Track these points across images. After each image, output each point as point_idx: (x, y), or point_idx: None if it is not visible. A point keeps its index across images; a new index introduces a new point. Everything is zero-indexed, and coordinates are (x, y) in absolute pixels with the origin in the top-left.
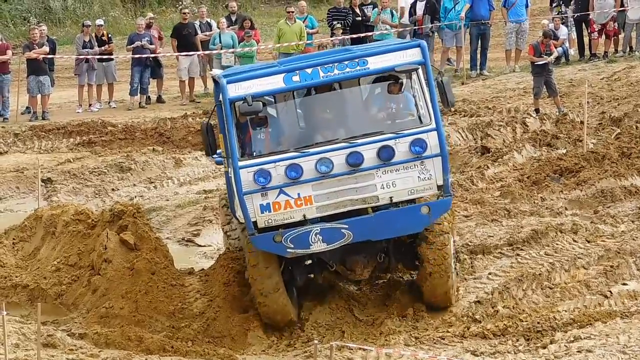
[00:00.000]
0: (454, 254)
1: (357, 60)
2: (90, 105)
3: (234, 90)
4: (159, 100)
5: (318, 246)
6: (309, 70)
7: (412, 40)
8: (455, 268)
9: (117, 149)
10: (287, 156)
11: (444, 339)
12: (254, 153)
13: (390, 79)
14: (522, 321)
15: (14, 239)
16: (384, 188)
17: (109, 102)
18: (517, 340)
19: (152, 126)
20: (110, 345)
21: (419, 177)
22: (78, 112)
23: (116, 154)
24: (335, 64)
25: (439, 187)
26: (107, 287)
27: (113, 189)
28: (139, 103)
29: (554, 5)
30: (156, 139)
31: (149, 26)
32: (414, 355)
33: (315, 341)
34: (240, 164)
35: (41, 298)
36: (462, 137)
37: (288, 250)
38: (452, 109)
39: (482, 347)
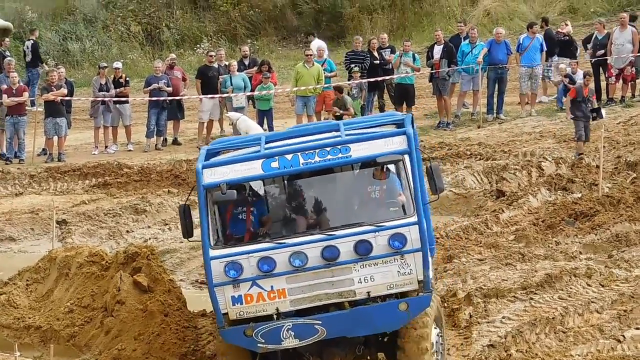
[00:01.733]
0: (438, 344)
1: (339, 147)
2: (106, 147)
3: (209, 176)
4: (175, 142)
5: (290, 342)
6: (288, 157)
7: (397, 123)
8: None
9: (132, 190)
10: (259, 248)
11: None
12: (229, 237)
13: (376, 164)
14: None
15: (27, 280)
16: (361, 282)
17: (127, 144)
18: None
19: (167, 168)
20: None
21: (398, 271)
22: (94, 154)
23: (131, 195)
24: (317, 151)
25: (419, 282)
26: (120, 329)
27: (128, 231)
28: (155, 145)
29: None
30: (171, 181)
31: (171, 67)
32: None
33: None
34: (212, 254)
35: (54, 339)
36: (477, 180)
37: (259, 345)
38: (469, 154)
39: None
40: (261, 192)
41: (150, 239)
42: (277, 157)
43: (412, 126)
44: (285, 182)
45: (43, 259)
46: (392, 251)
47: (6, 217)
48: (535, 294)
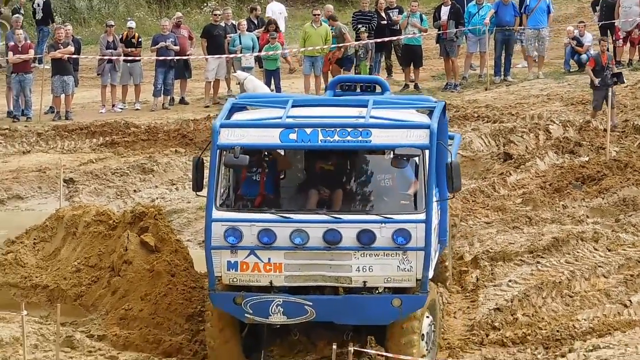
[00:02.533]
0: (429, 335)
1: (360, 130)
2: (113, 105)
3: (226, 137)
4: (182, 101)
5: (277, 318)
6: (308, 131)
7: (429, 110)
8: (427, 350)
9: (139, 150)
10: (262, 218)
11: (465, 346)
12: (237, 198)
13: (395, 153)
14: (541, 329)
15: (34, 238)
16: (359, 271)
17: (135, 103)
18: (536, 348)
19: (175, 127)
20: (129, 347)
21: (398, 266)
22: (101, 113)
23: (138, 155)
24: (337, 130)
25: (417, 281)
26: (127, 289)
27: (135, 190)
28: (163, 104)
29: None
30: (179, 141)
31: (177, 25)
32: None
33: (334, 346)
34: (215, 215)
35: (61, 299)
36: (484, 143)
37: (246, 315)
38: (476, 116)
39: (501, 355)
40: (270, 162)
41: (157, 198)
42: (296, 129)
43: (444, 114)
44: (304, 154)
45: (50, 217)
46: (395, 246)
47: (13, 175)
48: (542, 257)
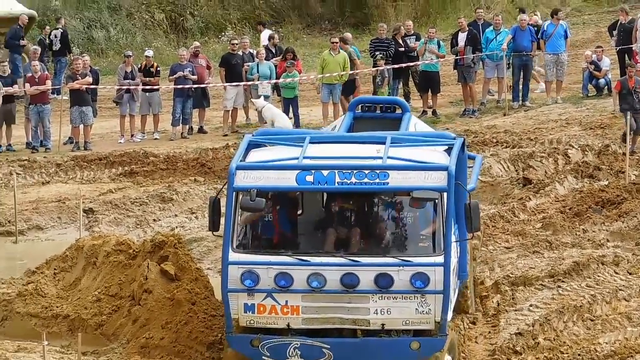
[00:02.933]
0: None
1: (378, 171)
2: (132, 135)
3: (242, 179)
4: (201, 130)
5: None
6: (325, 173)
7: (447, 147)
8: None
9: (158, 179)
10: (279, 261)
11: None
12: (254, 238)
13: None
14: (563, 353)
15: (55, 269)
16: (377, 313)
17: (154, 133)
18: None
19: (193, 156)
20: None
21: (417, 309)
22: (120, 143)
23: (158, 184)
24: (354, 172)
25: (436, 323)
26: (148, 318)
27: (154, 220)
28: (181, 133)
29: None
30: (198, 170)
31: (195, 55)
32: None
33: None
34: (231, 258)
35: (82, 328)
36: (503, 168)
37: (263, 357)
38: (495, 141)
39: None
40: (287, 203)
41: (177, 227)
42: (313, 172)
43: (463, 150)
44: (321, 194)
45: (70, 247)
46: (413, 289)
47: (33, 205)
48: (563, 281)
